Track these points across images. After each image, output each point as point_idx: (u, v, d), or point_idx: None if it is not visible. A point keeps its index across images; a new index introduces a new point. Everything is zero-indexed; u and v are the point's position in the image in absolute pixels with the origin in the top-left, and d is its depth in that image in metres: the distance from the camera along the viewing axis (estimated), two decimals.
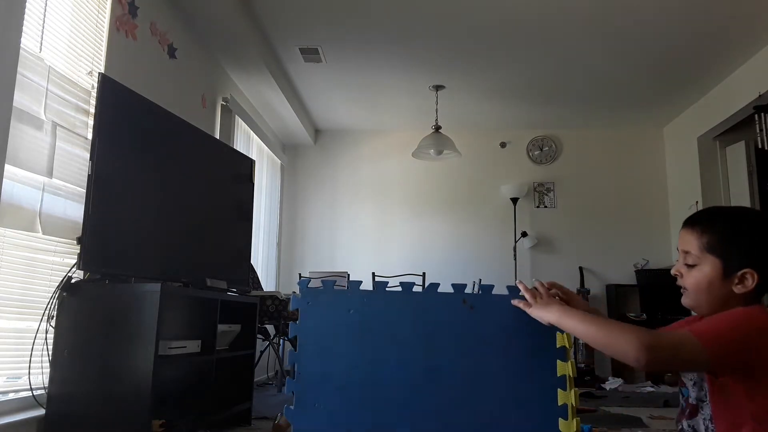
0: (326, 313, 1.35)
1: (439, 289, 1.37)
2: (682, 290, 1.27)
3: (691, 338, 1.09)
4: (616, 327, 1.14)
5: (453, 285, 1.35)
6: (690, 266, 1.23)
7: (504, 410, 1.28)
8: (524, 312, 1.33)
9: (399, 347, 1.32)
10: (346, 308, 1.35)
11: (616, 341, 1.11)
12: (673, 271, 1.27)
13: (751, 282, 1.16)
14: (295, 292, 1.41)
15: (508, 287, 1.35)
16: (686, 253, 1.24)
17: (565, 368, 1.30)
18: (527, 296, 1.30)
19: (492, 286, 1.36)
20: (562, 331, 1.32)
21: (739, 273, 1.17)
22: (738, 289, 1.17)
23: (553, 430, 1.26)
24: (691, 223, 1.26)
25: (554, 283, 1.37)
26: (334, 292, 1.37)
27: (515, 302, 1.31)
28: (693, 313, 1.30)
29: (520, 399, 1.29)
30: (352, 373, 1.31)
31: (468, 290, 1.36)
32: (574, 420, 1.26)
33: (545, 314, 1.25)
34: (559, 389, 1.28)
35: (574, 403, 1.27)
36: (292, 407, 1.30)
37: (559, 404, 1.27)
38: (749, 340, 1.10)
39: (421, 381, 1.30)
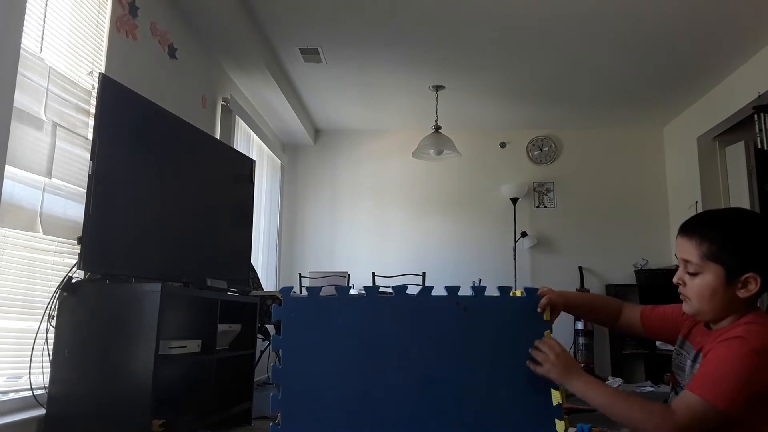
0: (312, 324, 1.26)
1: (434, 292, 1.33)
2: (682, 297, 1.26)
3: (706, 407, 1.08)
4: (638, 409, 1.14)
5: (446, 287, 1.32)
6: (692, 275, 1.22)
7: (500, 411, 1.27)
8: (518, 313, 1.32)
9: (393, 355, 1.26)
10: (334, 317, 1.26)
11: (639, 425, 1.13)
12: (675, 280, 1.27)
13: (754, 286, 1.16)
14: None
15: (499, 288, 1.35)
16: (686, 261, 1.23)
17: None
18: (545, 350, 1.26)
19: (485, 288, 1.34)
20: (551, 330, 1.32)
21: (742, 278, 1.16)
22: (742, 294, 1.17)
23: (549, 429, 1.26)
24: (687, 230, 1.24)
25: (548, 290, 1.36)
26: (320, 300, 1.28)
27: (531, 366, 1.26)
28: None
29: (515, 399, 1.27)
30: (344, 385, 1.23)
31: (466, 291, 1.35)
32: (565, 419, 1.27)
33: (566, 382, 1.23)
34: (552, 389, 1.28)
35: (561, 402, 1.28)
36: (278, 426, 1.21)
37: (554, 404, 1.27)
38: (758, 378, 1.09)
39: (417, 388, 1.25)
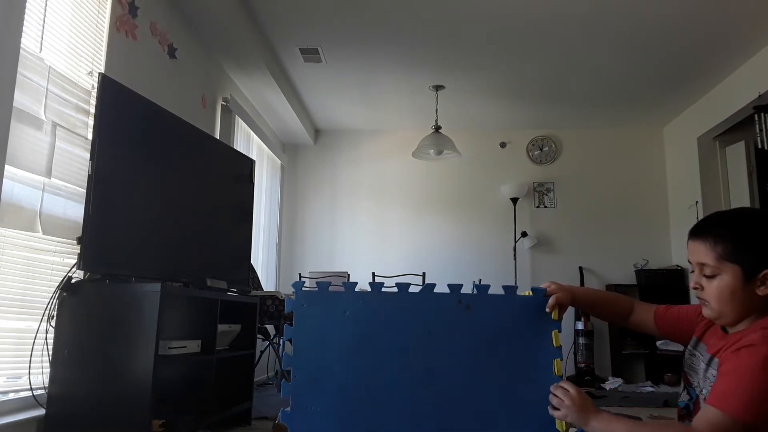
0: (322, 315, 1.33)
1: (436, 289, 1.36)
2: (701, 302, 1.26)
3: (728, 420, 1.07)
4: None
5: (449, 285, 1.35)
6: (709, 277, 1.21)
7: (502, 409, 1.28)
8: (521, 312, 1.33)
9: (396, 348, 1.31)
10: (342, 310, 1.33)
11: None
12: (692, 285, 1.26)
13: None
14: (290, 295, 1.39)
15: (504, 287, 1.35)
16: (702, 265, 1.22)
17: (561, 367, 1.30)
18: (559, 394, 1.25)
19: (488, 286, 1.35)
20: (559, 330, 1.32)
21: (761, 275, 1.16)
22: (761, 291, 1.16)
23: (551, 429, 1.27)
24: (699, 233, 1.24)
25: (555, 285, 1.36)
26: (329, 294, 1.35)
27: (552, 412, 1.25)
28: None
29: (517, 398, 1.28)
30: (348, 374, 1.30)
31: (468, 290, 1.36)
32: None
33: (584, 424, 1.20)
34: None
35: None
36: (288, 410, 1.29)
37: None
38: None
39: (419, 381, 1.29)
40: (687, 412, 1.30)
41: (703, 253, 1.21)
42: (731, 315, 1.21)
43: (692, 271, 1.26)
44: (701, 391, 1.24)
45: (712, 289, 1.21)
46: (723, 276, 1.19)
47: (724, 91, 4.70)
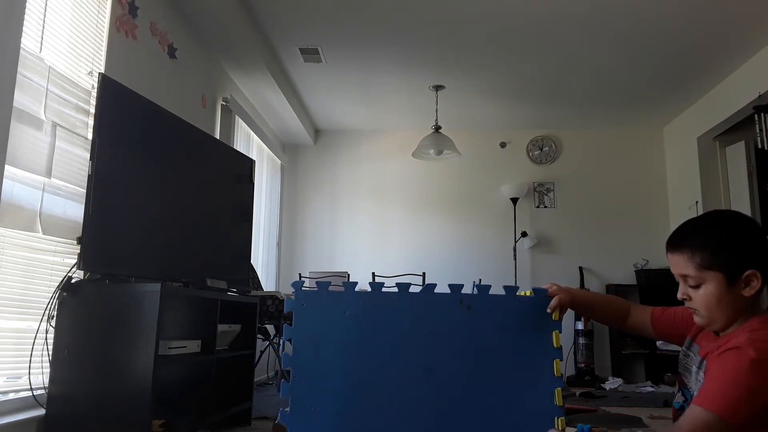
0: (321, 315, 1.33)
1: (437, 289, 1.35)
2: (694, 311, 1.26)
3: (711, 417, 1.07)
4: None
5: (450, 285, 1.34)
6: (694, 287, 1.22)
7: (502, 410, 1.28)
8: (521, 312, 1.33)
9: (396, 348, 1.31)
10: (342, 310, 1.33)
11: None
12: (679, 296, 1.26)
13: (757, 282, 1.16)
14: (290, 295, 1.39)
15: (505, 287, 1.35)
16: (685, 276, 1.23)
17: (560, 368, 1.31)
18: None
19: (489, 287, 1.35)
20: (560, 330, 1.33)
21: (743, 277, 1.17)
22: (747, 292, 1.17)
23: (550, 429, 1.27)
24: (675, 245, 1.24)
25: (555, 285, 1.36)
26: (329, 294, 1.34)
27: None
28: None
29: (518, 399, 1.29)
30: (348, 375, 1.30)
31: (468, 290, 1.36)
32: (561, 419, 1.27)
33: None
34: (556, 389, 1.29)
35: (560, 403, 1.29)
36: (287, 411, 1.28)
37: (557, 404, 1.28)
38: (760, 388, 1.09)
39: (419, 382, 1.29)
40: (682, 413, 1.30)
41: (682, 265, 1.22)
42: (722, 320, 1.21)
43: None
44: (694, 393, 1.24)
45: (699, 299, 1.21)
46: (707, 284, 1.20)
47: (724, 91, 4.70)
